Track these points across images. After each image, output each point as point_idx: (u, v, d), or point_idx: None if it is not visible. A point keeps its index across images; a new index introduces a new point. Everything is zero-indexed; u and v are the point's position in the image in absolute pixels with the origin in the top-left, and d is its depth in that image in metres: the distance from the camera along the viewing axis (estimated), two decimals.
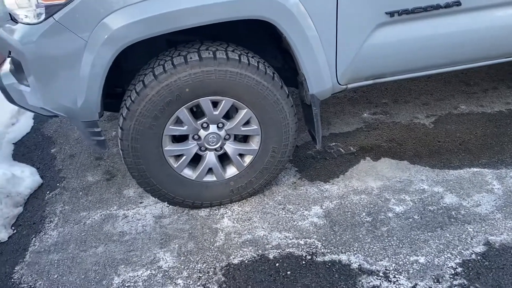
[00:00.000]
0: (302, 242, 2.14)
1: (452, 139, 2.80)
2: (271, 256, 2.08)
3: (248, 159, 2.31)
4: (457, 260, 1.98)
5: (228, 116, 2.21)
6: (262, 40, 2.42)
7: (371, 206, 2.32)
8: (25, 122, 3.38)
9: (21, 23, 1.92)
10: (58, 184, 2.69)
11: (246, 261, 2.06)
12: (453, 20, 2.14)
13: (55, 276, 2.07)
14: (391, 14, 2.06)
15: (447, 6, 2.09)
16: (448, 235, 2.11)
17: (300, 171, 2.64)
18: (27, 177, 2.68)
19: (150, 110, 2.02)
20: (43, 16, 1.84)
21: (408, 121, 3.02)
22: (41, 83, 1.98)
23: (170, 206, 2.42)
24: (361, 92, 3.43)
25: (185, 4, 1.81)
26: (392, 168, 2.58)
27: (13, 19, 1.99)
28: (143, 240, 2.23)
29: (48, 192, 2.63)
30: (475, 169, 2.52)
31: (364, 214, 2.28)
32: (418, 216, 2.23)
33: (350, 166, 2.64)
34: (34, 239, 2.30)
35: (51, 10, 1.82)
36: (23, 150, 3.06)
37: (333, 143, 2.86)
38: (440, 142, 2.78)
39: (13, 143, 3.14)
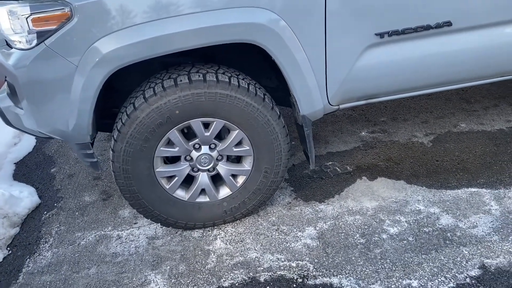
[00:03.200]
0: (294, 265, 2.12)
1: (450, 158, 2.77)
2: (262, 279, 2.06)
3: (241, 180, 2.31)
4: (451, 284, 1.94)
5: (220, 137, 2.22)
6: (256, 61, 2.43)
7: (365, 227, 2.29)
8: (27, 142, 3.43)
9: (15, 48, 1.96)
10: (55, 204, 2.71)
11: (236, 284, 2.05)
12: (444, 40, 2.13)
13: None
14: (381, 35, 2.07)
15: (438, 26, 2.08)
16: (443, 258, 2.07)
17: (296, 190, 2.62)
18: (25, 197, 2.70)
19: (141, 132, 2.04)
20: (34, 42, 1.87)
21: (406, 139, 3.00)
22: (34, 106, 2.01)
23: (164, 227, 2.42)
24: (359, 110, 3.42)
25: (174, 29, 1.83)
26: (388, 188, 2.56)
27: (8, 45, 2.04)
28: (135, 261, 2.23)
29: (45, 213, 2.65)
30: (472, 189, 2.48)
31: (358, 235, 2.25)
32: (412, 238, 2.20)
33: (346, 186, 2.62)
34: (28, 260, 2.31)
35: (42, 36, 1.86)
36: (24, 170, 3.10)
37: (330, 162, 2.84)
38: (438, 161, 2.75)
39: (14, 163, 3.19)
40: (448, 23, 2.09)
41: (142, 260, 2.23)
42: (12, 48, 1.99)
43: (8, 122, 2.29)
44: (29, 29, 1.86)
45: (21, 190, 2.77)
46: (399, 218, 2.33)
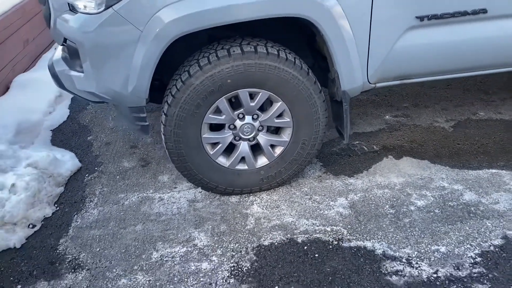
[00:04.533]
0: (328, 229, 2.27)
1: (471, 142, 2.93)
2: (299, 240, 2.21)
3: (278, 150, 2.46)
4: (476, 251, 2.10)
5: (262, 108, 2.36)
6: (295, 41, 2.57)
7: (394, 199, 2.45)
8: (61, 111, 3.56)
9: (80, 12, 2.09)
10: (96, 168, 2.85)
11: (276, 243, 2.20)
12: (480, 27, 2.28)
13: (97, 250, 2.22)
14: (421, 18, 2.21)
15: (474, 13, 2.23)
16: (468, 228, 2.23)
17: (325, 165, 2.78)
18: (67, 161, 2.84)
19: (194, 98, 2.18)
20: (103, 7, 2.01)
21: (428, 124, 3.15)
22: (95, 69, 2.14)
23: (203, 191, 2.57)
24: (383, 96, 3.57)
25: (236, 0, 1.97)
26: (413, 167, 2.71)
27: (72, 9, 2.16)
28: (179, 220, 2.37)
29: (87, 175, 2.79)
30: (493, 170, 2.64)
31: (387, 206, 2.40)
32: (438, 210, 2.36)
33: (373, 163, 2.77)
34: (76, 216, 2.45)
35: (111, 1, 1.99)
36: (61, 137, 3.23)
37: (357, 142, 2.99)
38: (459, 144, 2.91)
39: (50, 130, 3.32)
40: (484, 10, 2.23)
41: (185, 220, 2.38)
42: (76, 13, 2.13)
43: (61, 85, 2.42)
44: None
45: (62, 154, 2.91)
46: (425, 193, 2.49)
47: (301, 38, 2.59)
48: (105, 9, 2.01)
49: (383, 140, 3.00)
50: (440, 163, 2.74)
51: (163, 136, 2.29)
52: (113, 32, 2.03)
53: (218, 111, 2.29)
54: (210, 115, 2.27)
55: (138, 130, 2.38)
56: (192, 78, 2.15)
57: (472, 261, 2.05)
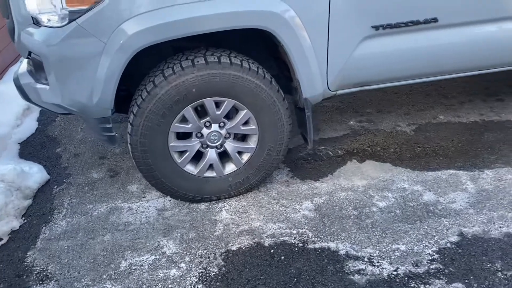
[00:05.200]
0: (294, 232, 2.34)
1: (431, 145, 3.05)
2: (266, 244, 2.27)
3: (246, 157, 2.52)
4: (434, 248, 2.20)
5: (228, 116, 2.42)
6: (259, 52, 2.65)
7: (357, 201, 2.54)
8: (30, 124, 3.54)
9: (44, 26, 2.12)
10: (64, 180, 2.85)
11: (243, 248, 2.25)
12: (431, 35, 2.40)
13: (66, 260, 2.23)
14: (377, 28, 2.32)
15: (426, 22, 2.36)
16: (426, 227, 2.33)
17: (292, 170, 2.85)
18: (35, 173, 2.83)
19: (159, 108, 2.23)
20: (66, 20, 2.04)
21: (391, 128, 3.28)
22: (60, 81, 2.17)
23: (172, 200, 2.60)
24: (347, 102, 3.68)
25: (198, 13, 2.03)
26: (376, 170, 2.82)
27: (36, 23, 2.19)
28: (147, 229, 2.40)
29: (55, 187, 2.79)
30: (451, 171, 2.77)
31: (350, 208, 2.49)
32: (399, 210, 2.46)
33: (338, 167, 2.86)
34: (44, 228, 2.45)
35: (74, 15, 2.02)
36: (29, 149, 3.22)
37: (323, 147, 3.08)
38: (420, 147, 3.03)
39: (19, 143, 3.29)
40: (435, 19, 2.36)
41: (153, 228, 2.41)
42: (40, 26, 2.15)
43: (26, 97, 2.44)
44: (62, 7, 2.02)
45: (30, 166, 2.90)
46: (386, 194, 2.59)
47: (266, 49, 2.67)
48: (68, 23, 2.04)
49: (347, 144, 3.10)
50: (401, 165, 2.85)
51: (129, 146, 2.32)
52: (77, 45, 2.07)
53: (184, 120, 2.34)
54: (176, 124, 2.32)
55: (105, 141, 2.41)
56: (157, 88, 2.20)
57: (430, 258, 2.14)
